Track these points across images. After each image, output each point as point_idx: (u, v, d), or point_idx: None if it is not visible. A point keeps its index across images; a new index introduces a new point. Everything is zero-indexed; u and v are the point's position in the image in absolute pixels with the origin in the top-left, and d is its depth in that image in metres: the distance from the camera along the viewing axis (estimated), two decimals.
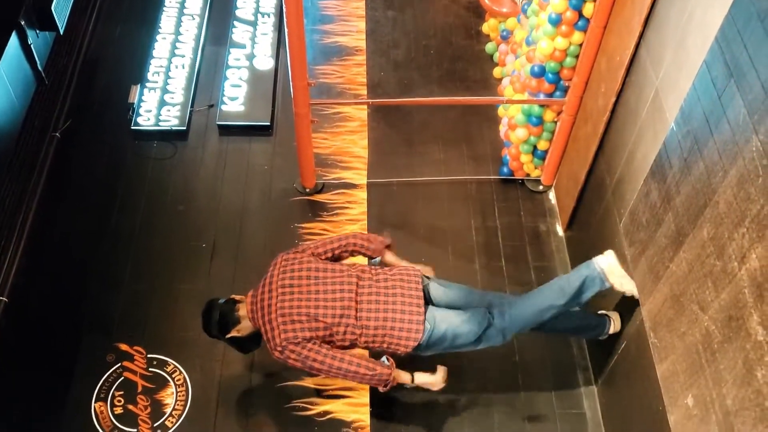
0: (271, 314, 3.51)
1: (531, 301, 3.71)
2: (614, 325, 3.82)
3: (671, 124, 3.07)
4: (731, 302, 2.51)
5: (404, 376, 3.66)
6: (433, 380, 3.68)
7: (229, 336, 3.70)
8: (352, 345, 3.58)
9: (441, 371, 3.67)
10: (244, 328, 3.68)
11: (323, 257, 3.74)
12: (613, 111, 3.90)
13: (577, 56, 4.25)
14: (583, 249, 4.41)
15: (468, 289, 3.81)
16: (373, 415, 4.09)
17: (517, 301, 3.72)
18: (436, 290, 3.71)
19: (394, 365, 3.60)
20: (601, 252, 3.82)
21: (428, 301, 3.67)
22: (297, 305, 3.49)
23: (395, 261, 3.83)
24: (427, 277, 3.76)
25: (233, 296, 3.75)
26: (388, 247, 3.88)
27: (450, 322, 3.58)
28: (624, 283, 3.57)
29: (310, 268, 3.61)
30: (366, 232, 3.96)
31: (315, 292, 3.53)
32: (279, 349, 3.50)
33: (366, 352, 3.91)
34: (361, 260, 4.60)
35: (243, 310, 3.66)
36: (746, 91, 2.47)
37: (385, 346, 3.56)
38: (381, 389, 3.64)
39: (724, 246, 2.57)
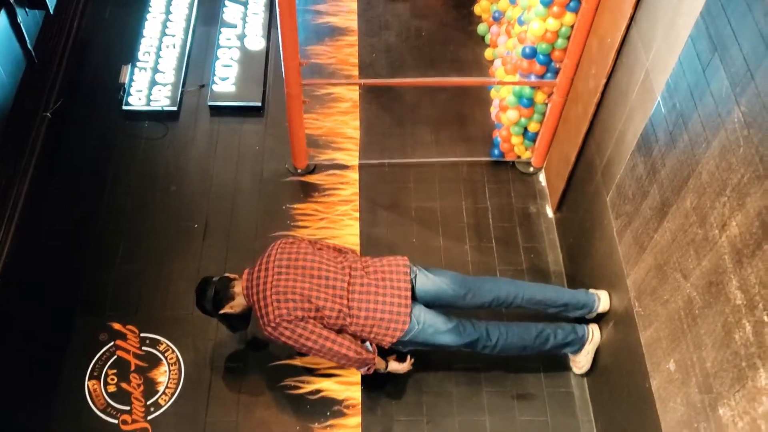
0: (266, 291, 3.64)
1: (519, 338, 3.97)
2: (602, 304, 3.92)
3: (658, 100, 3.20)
4: (712, 269, 2.64)
5: (381, 363, 3.92)
6: (401, 367, 3.99)
7: (222, 312, 3.84)
8: (341, 330, 3.73)
9: (409, 361, 4.00)
10: (237, 304, 3.83)
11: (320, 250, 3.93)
12: (603, 92, 3.95)
13: (568, 38, 4.29)
14: (572, 231, 4.51)
15: (455, 276, 3.96)
16: (364, 393, 4.17)
17: (508, 335, 3.95)
18: (424, 279, 3.87)
19: (376, 351, 3.82)
20: (593, 236, 3.95)
21: (415, 294, 3.83)
22: (292, 285, 3.64)
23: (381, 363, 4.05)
24: (416, 266, 3.92)
25: (227, 274, 3.91)
26: None
27: (437, 329, 3.81)
28: (587, 360, 4.07)
29: (307, 252, 3.79)
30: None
31: (309, 276, 3.68)
32: (272, 325, 3.62)
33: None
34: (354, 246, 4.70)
35: (237, 287, 3.81)
36: (729, 64, 2.59)
37: (372, 336, 3.75)
38: (362, 372, 3.93)
39: (706, 215, 2.70)
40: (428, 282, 3.87)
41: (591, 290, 4.01)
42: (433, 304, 3.89)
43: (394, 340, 3.76)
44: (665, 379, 2.99)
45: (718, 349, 2.60)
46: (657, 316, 3.10)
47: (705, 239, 2.72)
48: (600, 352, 4.02)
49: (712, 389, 2.61)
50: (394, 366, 3.99)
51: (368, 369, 3.87)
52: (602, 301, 3.93)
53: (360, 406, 4.14)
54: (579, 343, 4.01)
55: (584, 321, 4.08)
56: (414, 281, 3.84)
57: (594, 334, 3.99)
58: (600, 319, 4.00)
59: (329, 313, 3.65)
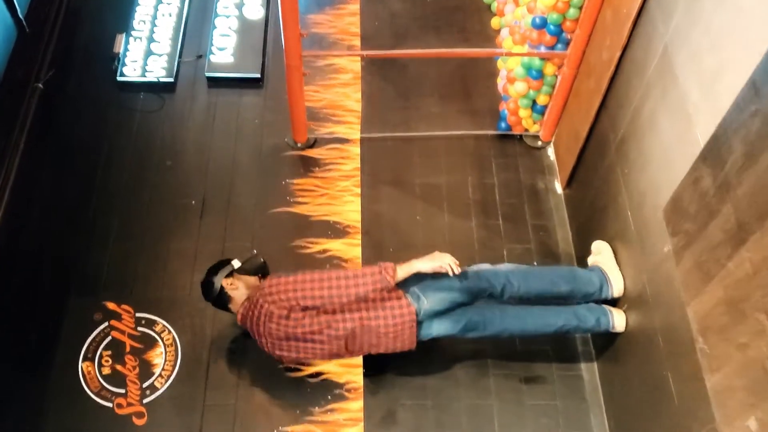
0: (263, 345, 3.61)
1: (534, 334, 3.78)
2: (616, 289, 3.73)
3: (731, 99, 2.64)
4: None
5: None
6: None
7: None
8: None
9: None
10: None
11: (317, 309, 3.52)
12: (618, 66, 3.74)
13: (580, 7, 4.08)
14: (582, 208, 4.32)
15: (462, 287, 3.61)
16: (366, 376, 4.02)
17: (523, 332, 3.75)
18: (433, 303, 3.55)
19: None
20: (607, 215, 3.75)
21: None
22: (287, 354, 3.59)
23: (408, 271, 3.47)
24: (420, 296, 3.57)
25: (223, 284, 3.68)
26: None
27: (446, 335, 3.65)
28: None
29: (297, 326, 3.47)
30: (365, 271, 3.45)
31: (304, 348, 3.55)
32: (276, 357, 3.67)
33: None
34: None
35: (235, 309, 3.70)
36: None
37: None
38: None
39: None
40: (437, 305, 3.56)
41: (602, 269, 3.78)
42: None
43: None
44: None
45: None
46: (729, 359, 2.59)
47: None
48: (612, 340, 3.83)
49: None
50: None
51: None
52: (615, 287, 3.73)
53: (362, 390, 3.99)
54: (602, 332, 3.79)
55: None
56: (423, 317, 3.57)
57: (619, 326, 3.72)
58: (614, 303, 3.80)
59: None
